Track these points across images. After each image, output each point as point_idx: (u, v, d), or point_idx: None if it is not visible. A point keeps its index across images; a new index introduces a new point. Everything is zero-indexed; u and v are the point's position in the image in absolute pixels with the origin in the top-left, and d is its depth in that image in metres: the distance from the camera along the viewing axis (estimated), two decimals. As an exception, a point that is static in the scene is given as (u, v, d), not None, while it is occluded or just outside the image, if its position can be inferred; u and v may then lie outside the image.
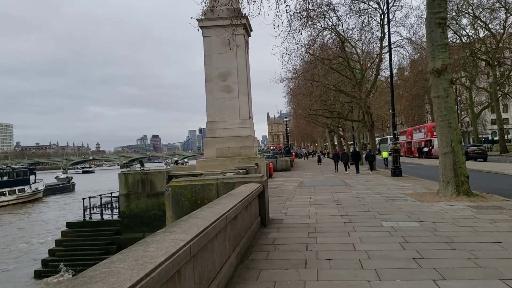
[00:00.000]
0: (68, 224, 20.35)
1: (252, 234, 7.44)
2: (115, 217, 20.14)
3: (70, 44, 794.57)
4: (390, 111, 34.39)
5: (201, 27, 22.54)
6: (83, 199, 20.77)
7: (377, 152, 54.19)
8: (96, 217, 20.47)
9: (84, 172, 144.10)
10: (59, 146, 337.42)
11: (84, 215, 20.32)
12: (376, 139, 63.79)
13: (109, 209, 20.83)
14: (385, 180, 21.55)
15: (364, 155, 34.69)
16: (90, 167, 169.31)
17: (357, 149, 38.27)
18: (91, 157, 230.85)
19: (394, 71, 44.39)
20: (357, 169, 29.02)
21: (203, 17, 21.26)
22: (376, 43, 31.97)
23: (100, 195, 21.29)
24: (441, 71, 13.08)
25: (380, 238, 7.43)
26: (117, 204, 19.97)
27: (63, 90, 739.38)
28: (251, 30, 25.51)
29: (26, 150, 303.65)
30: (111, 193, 21.47)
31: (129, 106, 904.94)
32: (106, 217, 20.58)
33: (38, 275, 17.54)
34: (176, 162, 68.01)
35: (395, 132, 26.30)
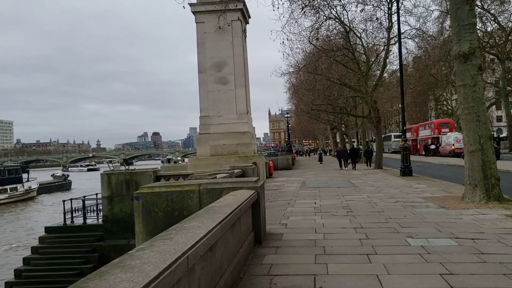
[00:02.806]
0: (47, 229, 18.47)
1: (241, 260, 5.58)
2: (101, 221, 18.31)
3: (58, 40, 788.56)
4: (399, 105, 32.61)
5: (194, 13, 20.58)
6: (64, 201, 18.87)
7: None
8: (79, 221, 18.62)
9: (89, 170, 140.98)
10: (59, 143, 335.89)
11: (65, 218, 18.44)
12: (380, 136, 61.82)
13: (94, 212, 19.01)
14: (395, 181, 19.68)
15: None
16: (95, 165, 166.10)
17: (355, 146, 39.93)
18: (91, 154, 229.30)
19: (395, 67, 42.45)
20: (354, 166, 31.20)
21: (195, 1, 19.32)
22: (383, 34, 30.00)
23: (84, 196, 19.45)
24: (468, 55, 11.19)
25: (412, 266, 5.55)
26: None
27: (56, 87, 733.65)
28: (249, 17, 23.53)
29: (26, 147, 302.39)
30: (97, 194, 19.62)
31: (124, 104, 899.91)
32: (90, 221, 18.74)
33: (10, 287, 15.69)
34: (169, 160, 65.45)
35: (404, 128, 24.38)
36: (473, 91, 11.25)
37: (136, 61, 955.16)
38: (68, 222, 18.54)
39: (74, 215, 18.82)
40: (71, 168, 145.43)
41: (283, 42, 33.18)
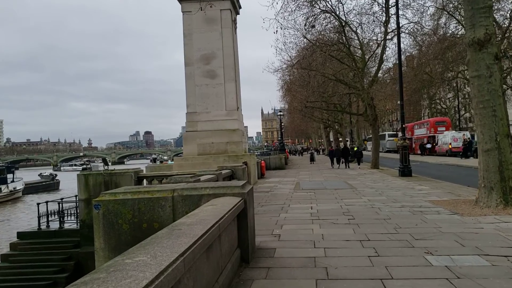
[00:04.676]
0: (19, 234, 16.99)
1: (220, 291, 4.27)
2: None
3: (40, 37, 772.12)
4: (395, 103, 31.52)
5: (180, 1, 19.21)
6: (38, 204, 17.39)
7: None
8: (55, 225, 17.18)
9: (84, 169, 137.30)
10: (50, 142, 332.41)
11: (39, 223, 16.98)
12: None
13: (73, 216, 17.56)
14: (395, 182, 18.47)
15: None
16: (88, 164, 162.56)
17: (348, 146, 39.70)
18: (81, 153, 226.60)
19: (390, 65, 41.38)
20: (347, 164, 31.81)
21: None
22: (380, 28, 28.81)
23: (61, 198, 17.99)
24: (484, 42, 9.96)
25: (444, 299, 4.28)
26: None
27: (41, 86, 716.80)
28: (240, 7, 22.17)
29: (16, 146, 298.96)
30: (76, 196, 18.17)
31: (112, 102, 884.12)
32: (68, 225, 17.31)
33: (-26, 300, 14.27)
34: (155, 160, 63.53)
35: (403, 125, 23.18)
36: (488, 82, 10.03)
37: (122, 59, 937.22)
38: (44, 226, 17.10)
39: (50, 218, 17.42)
40: (64, 168, 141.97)
41: (276, 31, 31.72)
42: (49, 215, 17.38)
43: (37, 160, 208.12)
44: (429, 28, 35.86)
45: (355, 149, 38.80)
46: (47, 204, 17.25)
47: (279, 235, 7.65)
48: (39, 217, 16.99)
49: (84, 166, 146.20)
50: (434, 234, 7.28)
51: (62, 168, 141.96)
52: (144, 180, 15.83)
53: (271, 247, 6.66)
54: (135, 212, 5.82)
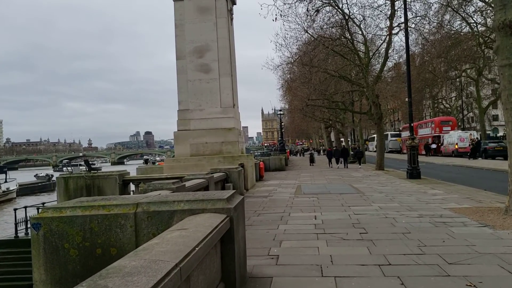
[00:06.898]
0: (-5, 243, 15.61)
1: None
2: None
3: (30, 36, 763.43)
4: (397, 102, 30.14)
5: (171, -12, 17.86)
6: (15, 210, 15.98)
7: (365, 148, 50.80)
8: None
9: (91, 169, 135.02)
10: (50, 142, 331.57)
11: (17, 230, 15.56)
12: (374, 135, 59.15)
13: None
14: (404, 185, 17.05)
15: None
16: (94, 164, 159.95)
17: (346, 147, 40.06)
18: (81, 154, 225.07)
19: (391, 63, 39.95)
20: (345, 164, 32.45)
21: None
22: (385, 23, 27.42)
23: (43, 203, 16.58)
24: (517, 25, 8.56)
25: None
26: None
27: (35, 86, 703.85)
28: (237, -3, 20.78)
29: (16, 146, 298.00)
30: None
31: (107, 102, 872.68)
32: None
33: None
34: (146, 161, 61.67)
35: (411, 124, 21.75)
36: (521, 72, 8.63)
37: (114, 59, 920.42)
38: (22, 234, 15.66)
39: (29, 225, 16.00)
40: (67, 168, 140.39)
41: (276, 18, 30.11)
42: (28, 222, 16.04)
43: (37, 160, 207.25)
44: (435, 21, 34.47)
45: (350, 150, 38.36)
46: (25, 210, 15.86)
47: (277, 256, 6.20)
48: (16, 224, 15.59)
49: (95, 165, 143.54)
50: (469, 256, 5.86)
51: (64, 168, 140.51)
52: (131, 184, 14.46)
53: (267, 275, 5.23)
54: (86, 234, 4.39)
